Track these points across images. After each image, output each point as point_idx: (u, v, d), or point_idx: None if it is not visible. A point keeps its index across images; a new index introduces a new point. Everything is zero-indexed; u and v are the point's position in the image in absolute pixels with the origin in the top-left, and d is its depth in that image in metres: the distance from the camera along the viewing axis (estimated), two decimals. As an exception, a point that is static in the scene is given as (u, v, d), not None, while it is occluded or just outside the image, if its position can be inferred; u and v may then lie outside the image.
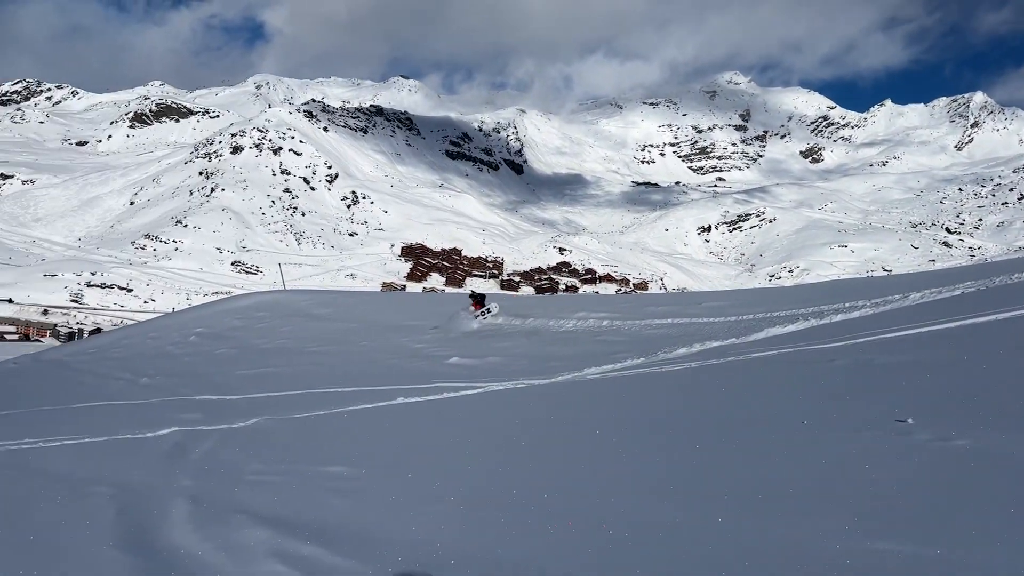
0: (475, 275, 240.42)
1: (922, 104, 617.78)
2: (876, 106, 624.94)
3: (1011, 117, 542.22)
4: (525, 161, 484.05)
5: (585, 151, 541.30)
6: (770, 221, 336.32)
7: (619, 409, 10.12)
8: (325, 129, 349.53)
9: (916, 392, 8.46)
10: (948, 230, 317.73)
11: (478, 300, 25.92)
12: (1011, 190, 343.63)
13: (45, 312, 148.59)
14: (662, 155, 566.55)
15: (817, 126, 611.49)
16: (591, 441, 8.19)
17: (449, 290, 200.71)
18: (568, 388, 12.36)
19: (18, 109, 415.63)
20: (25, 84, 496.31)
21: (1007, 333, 11.42)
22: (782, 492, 5.62)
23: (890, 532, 4.64)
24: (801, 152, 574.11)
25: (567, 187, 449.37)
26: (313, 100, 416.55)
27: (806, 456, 6.56)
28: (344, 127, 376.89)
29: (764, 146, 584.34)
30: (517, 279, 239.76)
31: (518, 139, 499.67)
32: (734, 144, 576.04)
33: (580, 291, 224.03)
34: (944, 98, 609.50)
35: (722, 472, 6.36)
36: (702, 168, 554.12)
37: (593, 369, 13.87)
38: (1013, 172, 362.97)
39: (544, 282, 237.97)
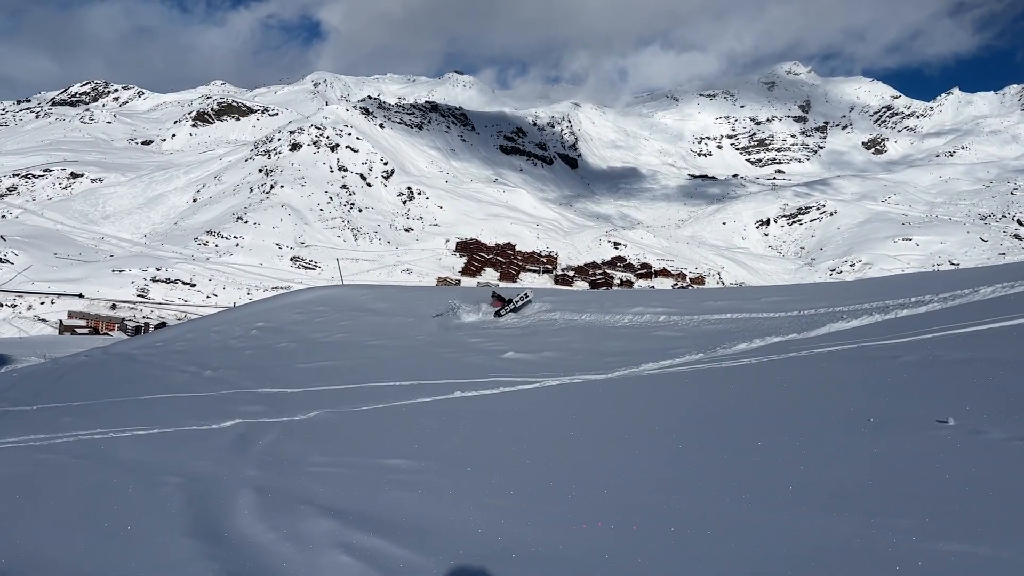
0: (529, 270, 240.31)
1: (992, 92, 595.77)
2: (943, 95, 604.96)
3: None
4: (579, 155, 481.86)
5: (640, 144, 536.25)
6: (831, 214, 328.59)
7: (678, 405, 10.02)
8: (381, 126, 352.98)
9: (988, 390, 8.17)
10: (1020, 222, 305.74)
11: (499, 298, 25.21)
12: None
13: (113, 307, 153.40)
14: (719, 147, 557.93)
15: (880, 116, 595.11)
16: (650, 437, 8.13)
17: (503, 284, 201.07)
18: (625, 384, 12.28)
19: (87, 110, 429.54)
20: (94, 85, 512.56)
21: (1085, 329, 10.96)
22: (849, 490, 5.50)
23: (963, 533, 4.50)
24: (863, 143, 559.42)
25: (622, 181, 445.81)
26: (369, 97, 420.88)
27: (873, 454, 6.40)
28: (400, 123, 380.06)
29: (825, 137, 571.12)
30: (571, 274, 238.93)
31: (572, 133, 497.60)
32: (793, 136, 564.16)
33: (635, 286, 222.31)
34: (1015, 85, 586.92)
35: (786, 470, 6.25)
36: (760, 160, 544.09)
37: (650, 364, 13.75)
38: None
39: (599, 277, 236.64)
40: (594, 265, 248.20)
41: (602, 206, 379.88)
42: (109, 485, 7.46)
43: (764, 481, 6.01)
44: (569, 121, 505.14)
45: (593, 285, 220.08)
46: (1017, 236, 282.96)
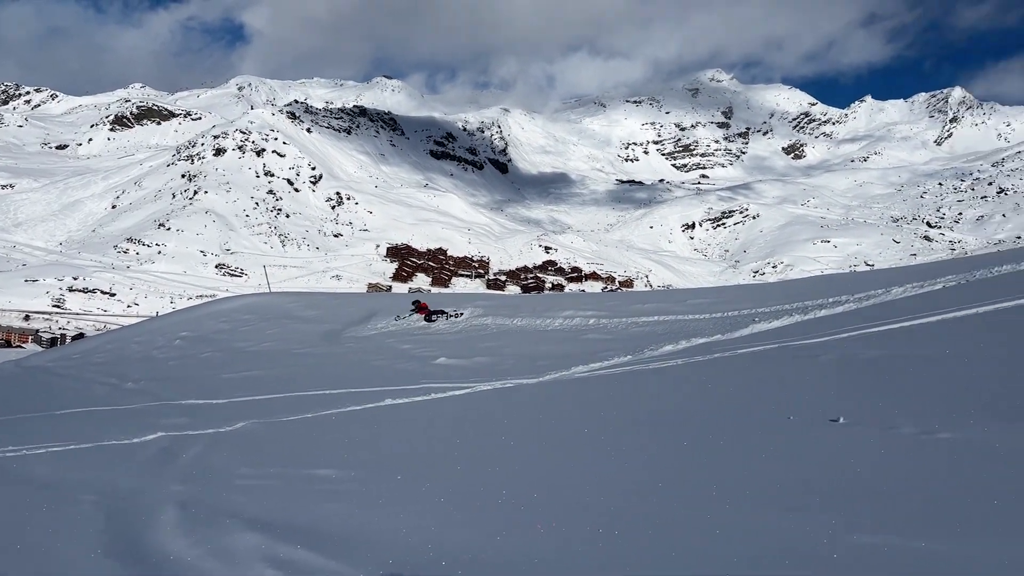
0: (461, 275, 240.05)
1: (902, 100, 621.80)
2: (856, 102, 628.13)
3: (989, 112, 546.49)
4: (510, 160, 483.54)
5: (569, 150, 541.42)
6: (754, 217, 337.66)
7: (607, 407, 10.16)
8: (308, 130, 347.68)
9: (900, 386, 8.53)
10: (929, 224, 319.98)
11: (422, 308, 24.60)
12: (990, 184, 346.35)
13: (27, 318, 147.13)
14: (646, 153, 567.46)
15: (799, 123, 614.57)
16: (580, 439, 8.22)
17: (435, 290, 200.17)
18: (556, 387, 12.38)
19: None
20: (3, 88, 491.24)
21: (988, 326, 11.55)
22: (770, 488, 5.67)
23: (877, 526, 4.69)
24: (783, 149, 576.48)
25: (552, 186, 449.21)
26: (296, 101, 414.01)
27: (792, 451, 6.62)
28: (327, 128, 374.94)
29: (747, 143, 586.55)
30: (503, 278, 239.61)
31: (502, 138, 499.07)
32: (717, 141, 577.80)
33: (566, 289, 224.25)
34: (923, 94, 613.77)
35: (710, 468, 6.40)
36: (686, 166, 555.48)
37: (581, 367, 13.90)
38: (992, 166, 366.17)
39: (530, 281, 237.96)
40: (526, 269, 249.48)
41: (533, 211, 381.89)
42: (22, 504, 7.14)
43: (689, 480, 6.15)
44: (499, 126, 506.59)
45: (525, 289, 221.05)
46: (927, 238, 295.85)
